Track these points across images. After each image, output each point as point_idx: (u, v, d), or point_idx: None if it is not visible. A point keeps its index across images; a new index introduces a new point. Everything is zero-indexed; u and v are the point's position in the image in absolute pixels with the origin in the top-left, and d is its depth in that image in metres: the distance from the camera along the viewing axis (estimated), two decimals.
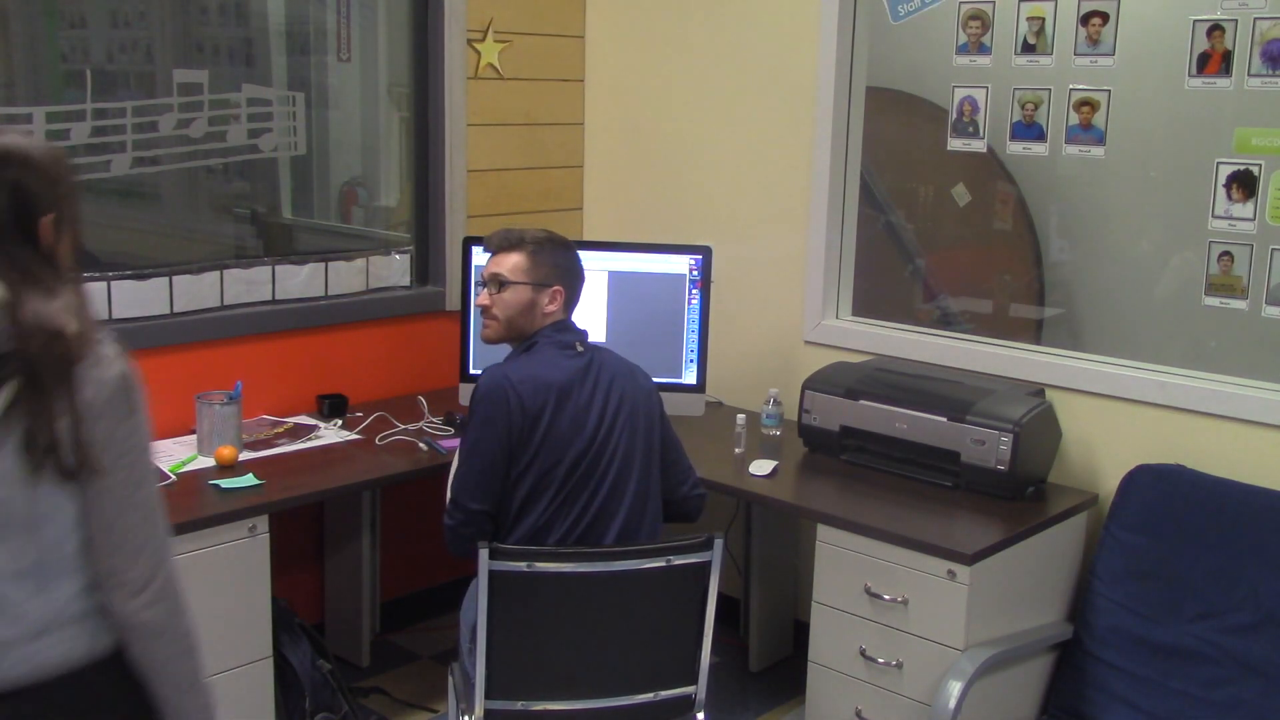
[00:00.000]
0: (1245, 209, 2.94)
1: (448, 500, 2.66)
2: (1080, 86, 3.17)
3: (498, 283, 2.72)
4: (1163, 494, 2.93)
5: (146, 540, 1.68)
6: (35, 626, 1.65)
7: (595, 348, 2.75)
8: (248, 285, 3.49)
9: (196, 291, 3.38)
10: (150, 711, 1.76)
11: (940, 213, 3.62)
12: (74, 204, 1.72)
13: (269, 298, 3.54)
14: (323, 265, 3.66)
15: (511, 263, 2.72)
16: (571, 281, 2.77)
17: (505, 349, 2.79)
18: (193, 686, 1.76)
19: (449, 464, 3.12)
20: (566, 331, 2.73)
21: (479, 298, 2.78)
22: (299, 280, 3.60)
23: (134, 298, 3.23)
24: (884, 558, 2.81)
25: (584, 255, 2.86)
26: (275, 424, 3.40)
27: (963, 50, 3.37)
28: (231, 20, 3.51)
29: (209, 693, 1.79)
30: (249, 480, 2.93)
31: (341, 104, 3.79)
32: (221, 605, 2.74)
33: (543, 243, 2.76)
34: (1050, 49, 3.21)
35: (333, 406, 3.56)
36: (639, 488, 2.67)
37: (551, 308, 2.72)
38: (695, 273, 3.47)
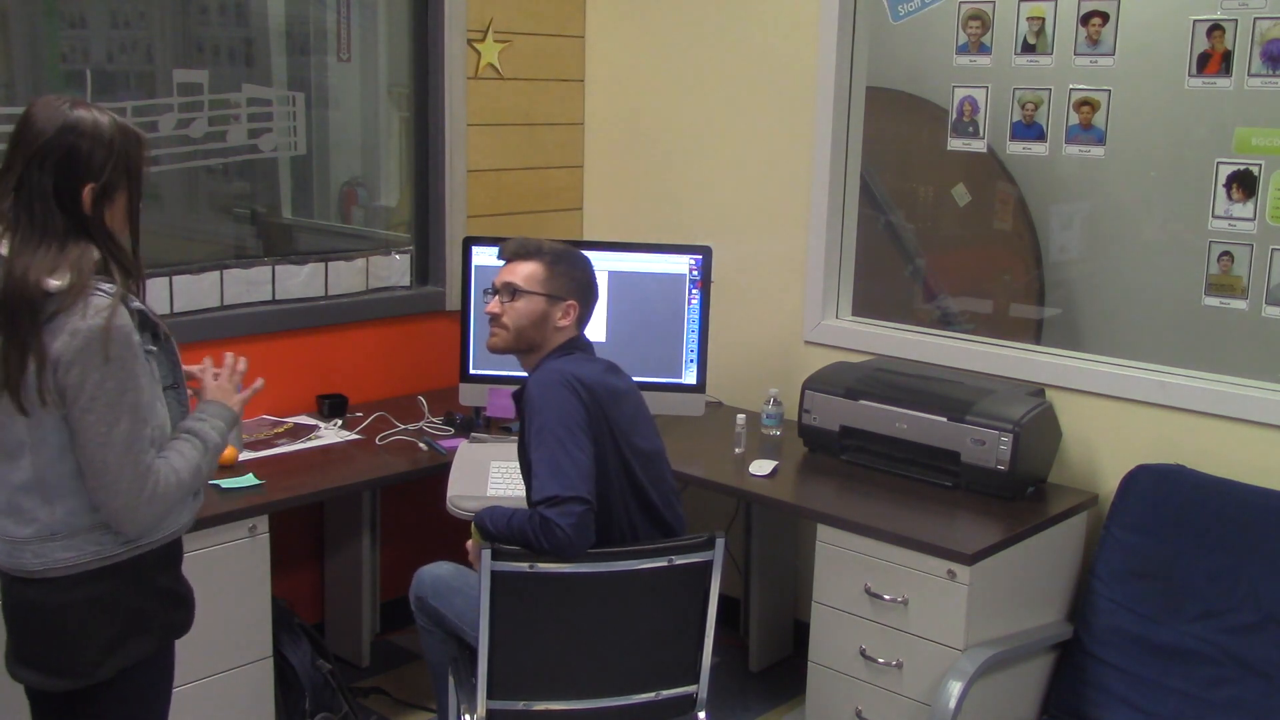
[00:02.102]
0: (1245, 209, 2.94)
1: (547, 499, 2.37)
2: (1080, 86, 3.17)
3: (510, 291, 2.63)
4: (1163, 494, 2.93)
5: (121, 475, 1.92)
6: (44, 531, 1.96)
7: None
8: (248, 285, 3.49)
9: (196, 291, 3.38)
10: (155, 617, 2.06)
11: (940, 213, 3.62)
12: (125, 180, 1.96)
13: (269, 298, 3.54)
14: (323, 265, 3.66)
15: (526, 271, 2.64)
16: (586, 297, 2.69)
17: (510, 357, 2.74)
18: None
19: (449, 464, 3.14)
20: (585, 349, 2.67)
21: (489, 305, 2.66)
22: (299, 280, 3.60)
23: None
24: (884, 558, 2.81)
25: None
26: (275, 424, 3.40)
27: (963, 50, 3.37)
28: (231, 20, 3.50)
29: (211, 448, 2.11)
30: (249, 480, 2.93)
31: (341, 104, 3.78)
32: (221, 605, 2.74)
33: (561, 254, 2.68)
34: (1050, 49, 3.21)
35: (333, 406, 3.56)
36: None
37: (564, 322, 2.64)
38: (695, 273, 3.47)
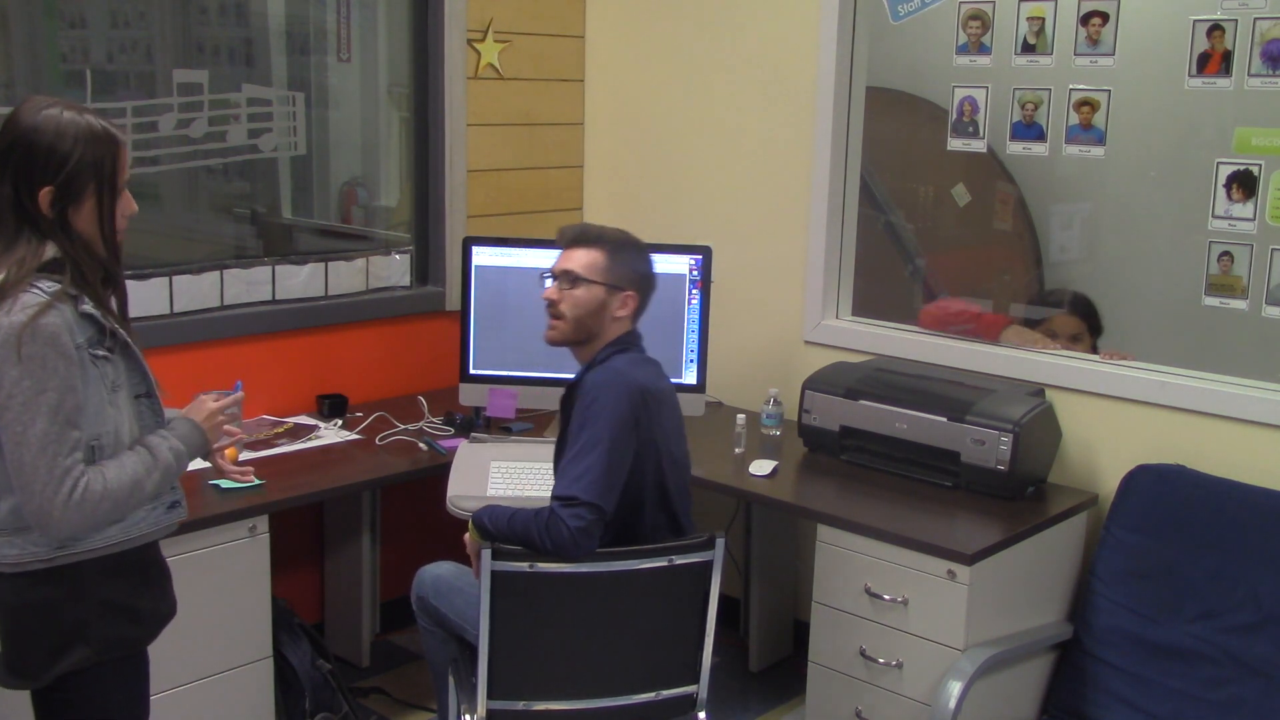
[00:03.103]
0: (1245, 209, 2.94)
1: (566, 498, 2.37)
2: (1080, 86, 3.17)
3: (570, 278, 2.56)
4: (1163, 494, 2.93)
5: (35, 476, 1.88)
6: None
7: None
8: (248, 285, 3.49)
9: (196, 291, 3.38)
10: (94, 629, 2.00)
11: (940, 213, 3.63)
12: (92, 184, 1.93)
13: (269, 298, 3.54)
14: (323, 265, 3.66)
15: (587, 259, 2.57)
16: (645, 289, 2.63)
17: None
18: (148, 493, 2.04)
19: (449, 464, 3.13)
20: (639, 345, 2.64)
21: (546, 291, 2.60)
22: (299, 280, 3.60)
23: (134, 298, 3.13)
24: (884, 558, 2.81)
25: None
26: (275, 424, 3.40)
27: (963, 50, 3.36)
28: (231, 20, 3.51)
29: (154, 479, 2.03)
30: (249, 480, 2.92)
31: (341, 104, 3.79)
32: (221, 605, 2.74)
33: (622, 243, 2.62)
34: (1050, 49, 3.21)
35: (333, 406, 3.56)
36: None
37: (622, 313, 2.58)
38: (695, 273, 3.47)
